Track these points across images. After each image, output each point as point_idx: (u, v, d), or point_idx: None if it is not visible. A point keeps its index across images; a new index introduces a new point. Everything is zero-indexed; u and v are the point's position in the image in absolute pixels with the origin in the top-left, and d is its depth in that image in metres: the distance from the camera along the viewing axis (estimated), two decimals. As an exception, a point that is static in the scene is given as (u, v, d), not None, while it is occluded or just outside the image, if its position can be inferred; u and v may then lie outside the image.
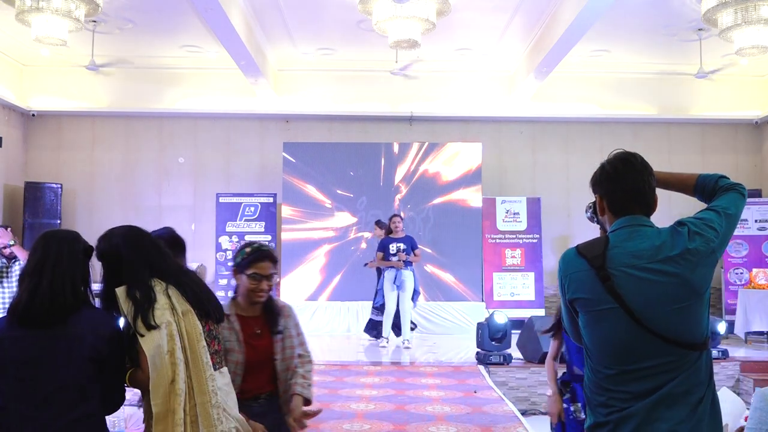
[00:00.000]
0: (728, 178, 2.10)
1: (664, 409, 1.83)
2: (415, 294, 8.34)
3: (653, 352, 1.85)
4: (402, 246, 8.21)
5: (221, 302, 2.58)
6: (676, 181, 2.19)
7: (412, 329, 8.45)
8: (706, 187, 2.11)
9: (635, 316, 1.85)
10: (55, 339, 2.23)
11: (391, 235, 8.36)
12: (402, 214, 8.82)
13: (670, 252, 1.88)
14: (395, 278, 8.17)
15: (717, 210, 2.00)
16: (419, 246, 8.59)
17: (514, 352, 7.40)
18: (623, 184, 1.99)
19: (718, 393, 5.23)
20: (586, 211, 2.22)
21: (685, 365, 1.85)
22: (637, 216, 1.98)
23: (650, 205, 2.01)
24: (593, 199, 2.13)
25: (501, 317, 7.36)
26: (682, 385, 1.84)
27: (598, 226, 2.18)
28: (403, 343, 8.34)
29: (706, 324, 1.93)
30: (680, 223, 1.97)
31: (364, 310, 9.46)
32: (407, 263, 8.22)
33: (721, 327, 7.77)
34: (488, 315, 7.61)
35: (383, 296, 8.34)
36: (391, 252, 8.21)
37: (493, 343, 7.27)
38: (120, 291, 2.32)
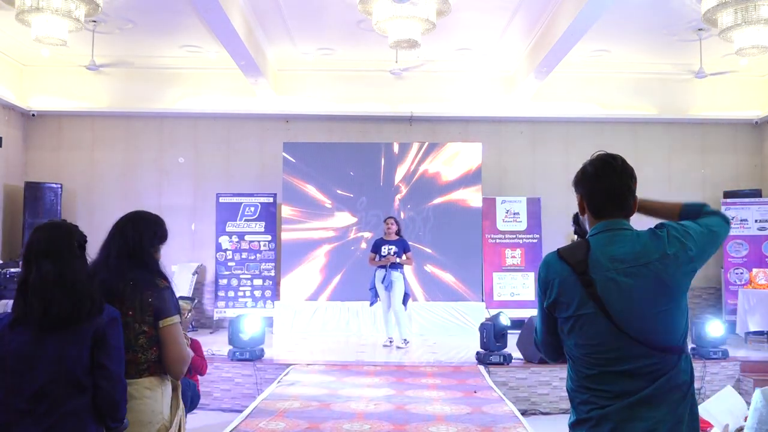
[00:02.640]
0: (710, 207, 2.15)
1: (645, 408, 1.86)
2: (406, 297, 8.34)
3: (634, 355, 1.88)
4: (393, 249, 8.24)
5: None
6: (661, 208, 2.24)
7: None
8: (690, 214, 2.15)
9: (615, 321, 1.88)
10: (57, 334, 2.25)
11: (384, 238, 8.41)
12: (393, 217, 8.71)
13: (650, 256, 1.92)
14: (383, 278, 8.20)
15: (700, 224, 2.04)
16: (418, 247, 8.56)
17: (514, 352, 7.40)
18: (602, 185, 2.04)
19: (722, 392, 5.22)
20: (572, 224, 2.23)
21: (665, 368, 1.89)
22: (616, 220, 2.01)
23: (629, 208, 2.05)
24: (577, 211, 2.16)
25: (505, 319, 7.37)
26: (662, 387, 1.87)
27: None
28: (404, 342, 8.34)
29: (684, 329, 1.96)
30: (660, 226, 2.01)
31: (364, 310, 9.46)
32: (397, 266, 8.23)
33: (717, 329, 7.67)
34: (490, 315, 7.62)
35: (376, 294, 8.37)
36: (383, 254, 8.27)
37: (498, 343, 7.28)
38: None
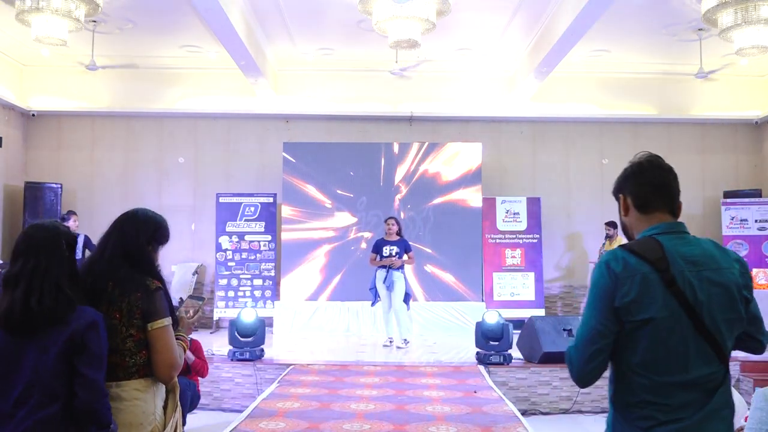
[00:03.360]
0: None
1: (708, 424, 1.81)
2: (407, 297, 8.33)
3: (702, 361, 1.82)
4: (395, 249, 8.23)
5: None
6: None
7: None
8: None
9: (700, 320, 1.81)
10: (34, 337, 2.23)
11: (384, 238, 8.40)
12: (394, 217, 8.70)
13: (719, 263, 1.88)
14: (385, 278, 8.19)
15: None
16: (418, 247, 8.55)
17: (515, 352, 7.40)
18: (648, 177, 2.00)
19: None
20: (607, 228, 2.18)
21: (717, 380, 1.84)
22: (674, 222, 1.96)
23: (675, 203, 1.99)
24: (604, 233, 2.11)
25: (492, 317, 7.36)
26: (719, 401, 1.83)
27: (605, 234, 2.16)
28: (404, 342, 8.34)
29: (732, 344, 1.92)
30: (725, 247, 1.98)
31: (364, 310, 9.46)
32: (398, 267, 8.22)
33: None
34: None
35: (377, 294, 8.36)
36: (384, 255, 8.26)
37: (490, 342, 7.28)
38: None
